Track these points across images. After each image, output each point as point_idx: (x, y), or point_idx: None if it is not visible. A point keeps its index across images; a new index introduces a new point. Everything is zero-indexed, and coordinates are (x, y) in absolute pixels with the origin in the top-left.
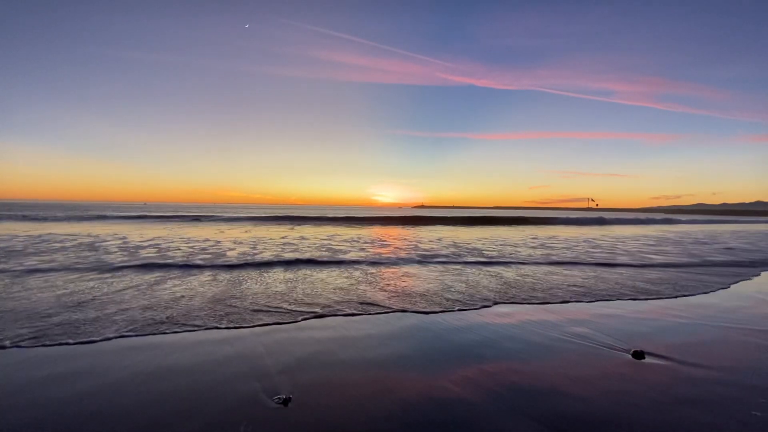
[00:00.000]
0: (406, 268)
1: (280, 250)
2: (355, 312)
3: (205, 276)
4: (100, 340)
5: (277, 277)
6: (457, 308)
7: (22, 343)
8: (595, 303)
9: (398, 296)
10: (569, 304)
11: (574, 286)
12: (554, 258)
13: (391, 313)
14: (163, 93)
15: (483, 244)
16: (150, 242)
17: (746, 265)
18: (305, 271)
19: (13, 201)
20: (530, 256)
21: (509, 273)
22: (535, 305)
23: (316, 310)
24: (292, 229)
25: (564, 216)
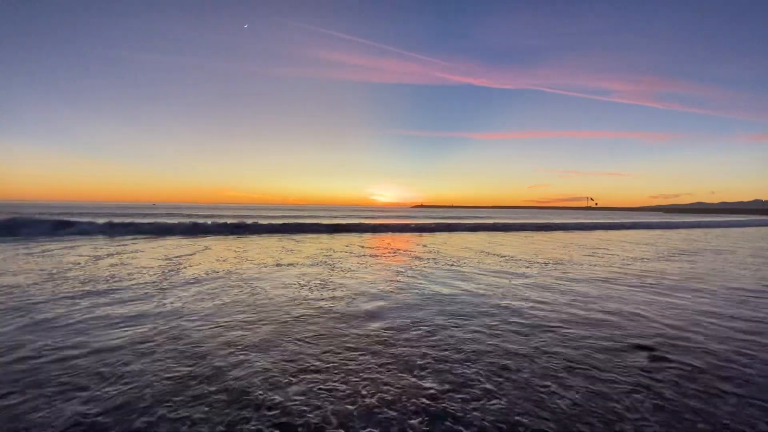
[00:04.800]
0: None
1: None
2: None
3: None
4: None
5: None
6: None
7: None
8: None
9: None
10: None
11: None
12: None
13: None
14: (165, 94)
15: None
16: None
17: None
18: None
19: (18, 202)
20: None
21: None
22: None
23: None
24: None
25: (562, 217)
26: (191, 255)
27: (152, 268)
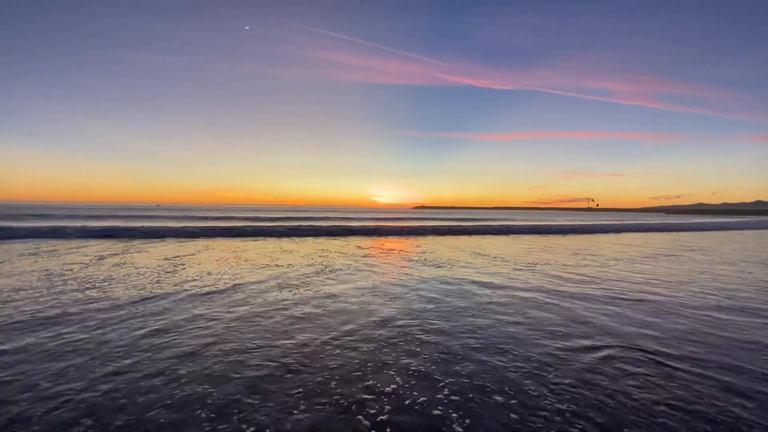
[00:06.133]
0: None
1: None
2: None
3: None
4: None
5: None
6: None
7: None
8: None
9: None
10: None
11: None
12: None
13: None
14: (166, 95)
15: None
16: None
17: None
18: None
19: (20, 203)
20: None
21: None
22: None
23: None
24: None
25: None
26: (192, 255)
27: (154, 267)
